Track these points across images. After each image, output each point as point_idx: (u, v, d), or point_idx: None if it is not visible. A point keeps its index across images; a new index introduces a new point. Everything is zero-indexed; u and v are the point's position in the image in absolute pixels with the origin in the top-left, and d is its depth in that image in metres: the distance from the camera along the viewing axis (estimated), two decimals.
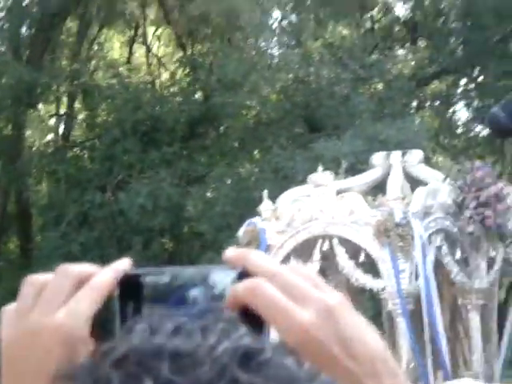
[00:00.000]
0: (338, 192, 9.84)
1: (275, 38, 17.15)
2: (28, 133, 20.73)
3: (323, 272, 10.97)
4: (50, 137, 22.32)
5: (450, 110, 23.73)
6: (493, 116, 2.01)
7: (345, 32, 19.39)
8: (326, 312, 0.92)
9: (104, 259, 1.03)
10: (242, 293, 0.93)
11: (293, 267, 0.96)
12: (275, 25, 17.89)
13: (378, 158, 10.72)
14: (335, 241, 9.58)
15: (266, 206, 10.01)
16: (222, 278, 0.97)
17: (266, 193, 10.01)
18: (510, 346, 10.79)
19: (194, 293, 0.95)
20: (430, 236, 9.46)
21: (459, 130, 24.31)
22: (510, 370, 11.01)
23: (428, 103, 23.22)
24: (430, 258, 9.33)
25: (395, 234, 9.06)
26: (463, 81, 22.49)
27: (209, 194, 16.96)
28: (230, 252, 0.97)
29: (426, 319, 9.10)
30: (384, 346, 0.95)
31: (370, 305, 13.68)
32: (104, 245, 17.07)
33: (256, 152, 19.17)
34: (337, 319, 0.92)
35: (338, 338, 0.92)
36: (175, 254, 17.70)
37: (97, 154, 18.88)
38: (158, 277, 0.96)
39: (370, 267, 10.02)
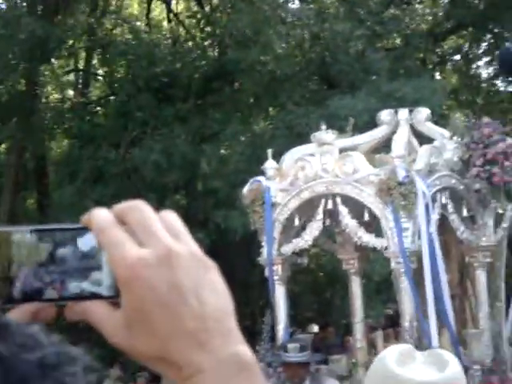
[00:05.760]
0: (342, 150, 9.76)
1: None
2: (43, 89, 20.65)
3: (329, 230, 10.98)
4: (66, 93, 22.29)
5: (473, 66, 23.40)
6: (506, 51, 1.94)
7: None
8: (166, 257, 0.91)
9: None
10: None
11: (162, 212, 0.97)
12: None
13: (385, 115, 10.59)
14: (338, 200, 9.52)
15: (270, 164, 9.96)
16: (89, 238, 0.98)
17: (270, 151, 9.96)
18: None
19: (63, 252, 0.97)
20: (434, 194, 9.36)
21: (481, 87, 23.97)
22: None
23: (447, 59, 22.89)
24: (435, 216, 9.25)
25: (398, 192, 8.98)
26: (485, 36, 22.12)
27: (223, 151, 16.93)
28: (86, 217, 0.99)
29: (428, 278, 9.04)
30: (225, 308, 0.94)
31: (384, 262, 13.62)
32: (119, 201, 16.97)
33: (271, 109, 19.05)
34: (175, 266, 0.91)
35: (172, 284, 0.91)
36: (189, 210, 17.71)
37: (111, 111, 18.84)
38: (24, 235, 0.96)
39: (376, 226, 9.97)
